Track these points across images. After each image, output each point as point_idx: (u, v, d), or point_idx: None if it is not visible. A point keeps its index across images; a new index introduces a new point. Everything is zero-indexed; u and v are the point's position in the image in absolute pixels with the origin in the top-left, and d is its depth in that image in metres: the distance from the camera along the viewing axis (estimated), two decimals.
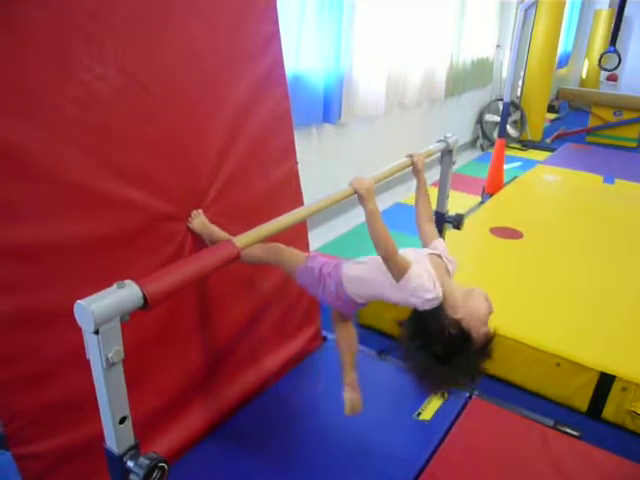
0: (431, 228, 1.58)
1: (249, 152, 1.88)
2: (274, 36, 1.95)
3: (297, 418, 1.94)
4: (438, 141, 1.81)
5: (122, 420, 0.88)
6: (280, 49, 1.98)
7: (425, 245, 1.55)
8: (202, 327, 1.82)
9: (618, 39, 5.61)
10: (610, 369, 2.13)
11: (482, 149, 6.50)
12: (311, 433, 1.87)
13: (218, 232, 1.61)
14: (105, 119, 1.39)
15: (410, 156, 1.59)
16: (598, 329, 2.42)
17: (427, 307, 1.28)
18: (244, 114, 1.85)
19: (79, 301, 0.79)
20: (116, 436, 0.87)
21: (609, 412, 2.16)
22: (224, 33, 1.74)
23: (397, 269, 1.29)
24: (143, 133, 1.50)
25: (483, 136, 6.54)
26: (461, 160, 5.83)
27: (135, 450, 0.90)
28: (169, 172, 1.59)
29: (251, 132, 1.88)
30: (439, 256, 1.42)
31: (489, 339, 1.28)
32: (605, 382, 2.13)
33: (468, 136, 6.50)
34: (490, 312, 1.28)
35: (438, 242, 1.53)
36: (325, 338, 2.38)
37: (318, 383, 2.17)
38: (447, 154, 1.84)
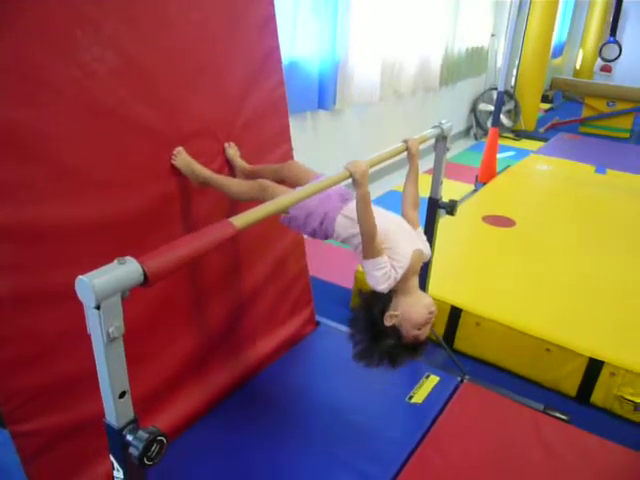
0: (415, 215, 1.60)
1: (245, 136, 1.89)
2: (270, 20, 1.95)
3: (290, 401, 1.96)
4: (433, 127, 1.81)
5: (122, 395, 0.89)
6: (276, 33, 1.98)
7: None
8: (197, 310, 1.84)
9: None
10: (599, 355, 2.17)
11: (476, 138, 6.52)
12: (304, 415, 1.90)
13: (200, 169, 1.65)
14: (103, 100, 1.40)
15: (405, 141, 1.60)
16: (588, 315, 2.45)
17: (374, 289, 1.42)
18: (241, 98, 1.85)
19: (81, 276, 0.80)
20: (116, 410, 0.88)
21: (598, 397, 2.19)
22: (221, 17, 1.74)
23: (370, 252, 1.39)
24: (141, 115, 1.51)
25: (477, 125, 6.56)
26: (454, 149, 5.84)
27: (134, 424, 0.91)
28: (167, 154, 1.60)
29: (247, 117, 1.89)
30: (422, 252, 1.48)
31: (418, 342, 1.43)
32: (594, 367, 2.17)
33: (462, 125, 6.51)
34: (426, 323, 1.41)
35: (420, 229, 1.58)
36: (318, 323, 2.40)
37: (311, 366, 2.19)
38: (442, 140, 1.85)
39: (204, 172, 1.65)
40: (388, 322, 1.41)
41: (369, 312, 1.44)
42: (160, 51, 1.55)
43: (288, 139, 2.12)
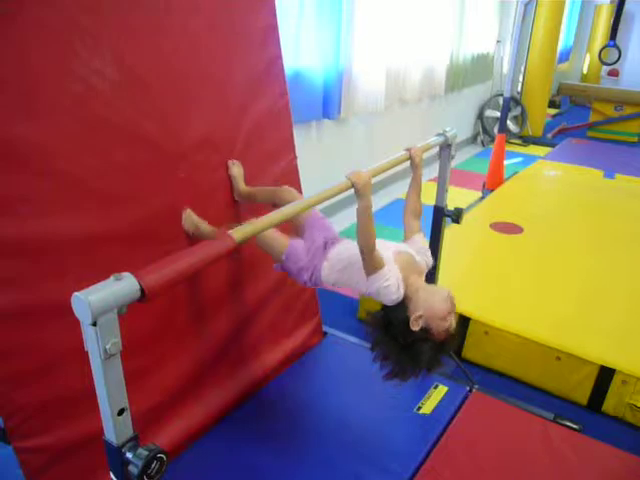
0: (416, 224, 1.60)
1: (248, 147, 1.88)
2: (272, 29, 1.95)
3: (297, 413, 1.94)
4: (437, 135, 1.80)
5: (120, 412, 0.88)
6: (278, 43, 1.98)
7: (405, 239, 1.59)
8: (201, 323, 1.83)
9: (619, 34, 5.62)
10: (610, 363, 2.13)
11: (483, 145, 6.49)
12: (311, 427, 1.88)
13: (207, 228, 1.64)
14: (103, 114, 1.40)
15: (408, 150, 1.59)
16: (598, 323, 2.42)
17: (389, 303, 1.39)
18: (243, 109, 1.85)
19: (77, 293, 0.79)
20: (115, 428, 0.88)
21: (609, 406, 2.15)
22: (221, 27, 1.74)
23: (372, 266, 1.36)
24: (142, 128, 1.51)
25: (483, 132, 6.53)
26: (461, 156, 5.82)
27: (134, 442, 0.90)
28: (169, 167, 1.60)
29: (250, 127, 1.89)
30: (408, 253, 1.47)
31: (448, 335, 1.37)
32: (605, 376, 2.13)
33: (468, 132, 6.49)
34: (450, 311, 1.37)
35: (418, 237, 1.57)
36: (326, 333, 2.39)
37: (319, 378, 2.17)
38: (446, 148, 1.84)
39: (210, 231, 1.63)
40: (416, 326, 1.35)
41: (391, 327, 1.40)
42: (160, 62, 1.55)
43: (292, 149, 2.12)
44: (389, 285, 1.36)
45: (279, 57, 1.99)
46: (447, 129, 1.81)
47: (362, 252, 1.35)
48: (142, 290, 0.85)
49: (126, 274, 0.85)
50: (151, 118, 1.52)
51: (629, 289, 2.76)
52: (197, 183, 1.71)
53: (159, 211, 1.58)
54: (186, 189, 1.67)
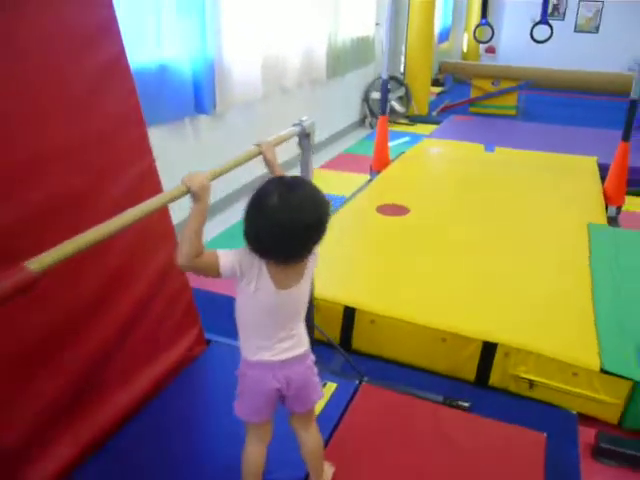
0: None
1: (99, 153, 1.72)
2: (110, 24, 1.78)
3: (181, 433, 1.82)
4: (293, 125, 1.72)
5: None
6: (119, 37, 1.81)
7: None
8: (61, 349, 1.64)
9: (493, 14, 5.86)
10: (492, 337, 2.17)
11: (371, 127, 6.54)
12: (197, 445, 1.76)
13: None
14: None
15: (259, 145, 1.47)
16: (479, 301, 2.44)
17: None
18: (87, 113, 1.68)
19: None
20: None
21: (495, 379, 2.20)
22: (52, 28, 1.56)
23: (209, 265, 1.23)
24: None
25: (371, 114, 6.59)
26: (350, 139, 5.84)
27: None
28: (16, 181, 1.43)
29: (98, 131, 1.72)
30: None
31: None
32: (489, 350, 2.17)
33: (356, 115, 6.53)
34: None
35: None
36: (209, 341, 2.26)
37: (204, 392, 2.05)
38: (305, 138, 1.76)
39: None
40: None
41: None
42: None
43: (149, 152, 1.95)
44: (235, 260, 1.25)
45: (122, 53, 1.82)
46: (304, 118, 1.73)
47: (192, 260, 1.20)
48: None
49: None
50: None
51: (506, 265, 2.80)
52: (51, 195, 1.55)
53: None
54: (39, 202, 1.51)
